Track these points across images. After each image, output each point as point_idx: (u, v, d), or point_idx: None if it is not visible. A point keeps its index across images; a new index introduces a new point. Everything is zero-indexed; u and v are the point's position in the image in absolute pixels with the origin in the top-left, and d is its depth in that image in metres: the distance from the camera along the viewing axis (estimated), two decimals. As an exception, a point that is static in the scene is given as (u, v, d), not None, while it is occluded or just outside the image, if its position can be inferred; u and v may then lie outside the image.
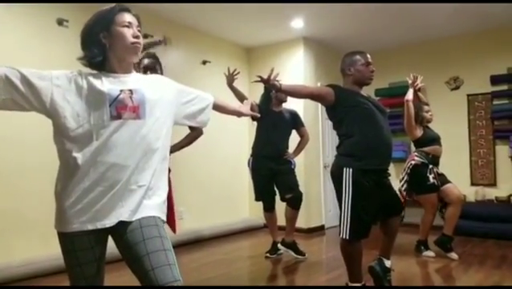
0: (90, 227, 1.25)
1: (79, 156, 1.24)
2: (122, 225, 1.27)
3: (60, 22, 3.49)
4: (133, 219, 1.27)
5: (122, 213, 1.26)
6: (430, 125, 3.91)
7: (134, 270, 1.27)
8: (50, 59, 3.31)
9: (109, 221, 1.26)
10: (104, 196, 1.25)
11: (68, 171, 1.27)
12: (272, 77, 2.29)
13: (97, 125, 1.25)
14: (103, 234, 1.31)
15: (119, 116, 1.27)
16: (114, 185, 1.25)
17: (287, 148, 3.74)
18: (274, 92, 3.47)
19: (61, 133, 1.28)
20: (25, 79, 1.23)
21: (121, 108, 1.28)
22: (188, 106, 1.53)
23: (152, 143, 1.32)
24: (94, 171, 1.24)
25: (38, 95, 1.24)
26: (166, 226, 2.09)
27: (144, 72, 2.51)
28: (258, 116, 1.92)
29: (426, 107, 3.82)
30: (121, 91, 1.30)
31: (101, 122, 1.26)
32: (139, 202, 1.29)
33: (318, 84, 5.07)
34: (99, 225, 1.25)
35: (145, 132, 1.30)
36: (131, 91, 1.31)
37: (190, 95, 1.54)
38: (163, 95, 1.40)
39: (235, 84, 3.54)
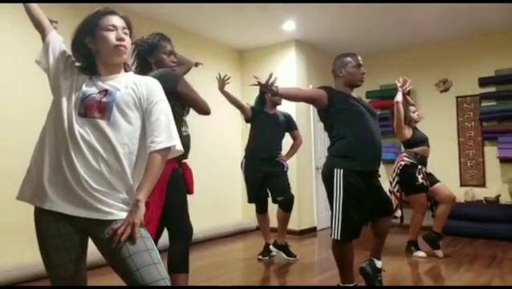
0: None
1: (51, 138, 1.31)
2: (100, 228, 1.26)
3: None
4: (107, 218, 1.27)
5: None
6: (419, 126, 3.98)
7: (119, 272, 1.27)
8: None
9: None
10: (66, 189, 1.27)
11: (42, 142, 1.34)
12: (270, 82, 2.30)
13: (68, 118, 1.29)
14: (80, 233, 1.31)
15: (85, 114, 1.30)
16: (72, 179, 1.26)
17: (280, 150, 3.75)
18: (268, 95, 3.48)
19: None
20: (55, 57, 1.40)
21: (88, 107, 1.30)
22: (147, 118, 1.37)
23: (115, 144, 1.29)
24: (58, 159, 1.28)
25: (55, 72, 1.40)
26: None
27: (167, 55, 2.14)
28: None
29: (412, 108, 3.91)
30: (98, 91, 1.33)
31: (71, 116, 1.29)
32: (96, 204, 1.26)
33: (310, 87, 5.11)
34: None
35: (109, 133, 1.29)
36: (106, 91, 1.33)
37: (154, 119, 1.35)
38: (138, 101, 1.35)
39: (226, 88, 3.56)
